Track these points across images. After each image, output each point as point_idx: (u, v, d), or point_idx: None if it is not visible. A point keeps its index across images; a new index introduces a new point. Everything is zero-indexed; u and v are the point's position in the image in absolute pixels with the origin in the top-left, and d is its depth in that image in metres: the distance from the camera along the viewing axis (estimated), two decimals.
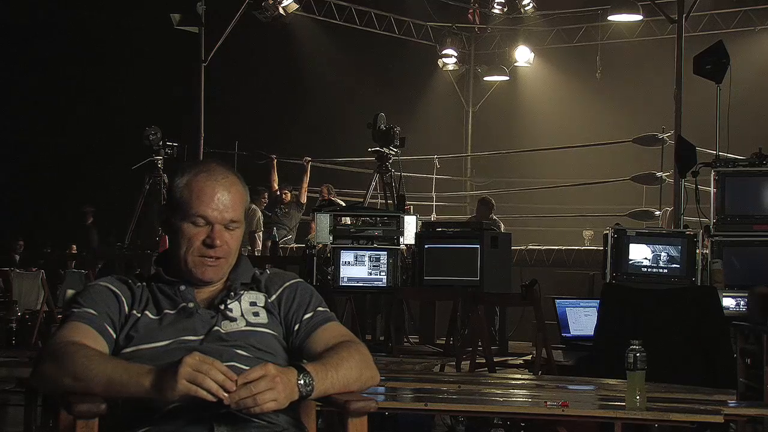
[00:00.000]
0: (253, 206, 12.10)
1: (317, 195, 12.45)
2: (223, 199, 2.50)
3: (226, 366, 2.32)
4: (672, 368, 5.06)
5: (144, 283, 2.55)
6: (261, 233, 12.02)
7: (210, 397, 2.20)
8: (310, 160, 13.13)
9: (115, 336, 2.46)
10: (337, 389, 2.38)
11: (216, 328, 2.47)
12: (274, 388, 2.25)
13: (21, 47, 14.87)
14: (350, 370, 2.42)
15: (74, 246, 12.75)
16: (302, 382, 2.32)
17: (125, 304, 2.50)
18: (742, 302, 6.50)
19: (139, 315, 2.48)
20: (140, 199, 11.39)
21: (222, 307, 2.51)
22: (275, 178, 13.01)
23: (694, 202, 7.15)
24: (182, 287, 2.52)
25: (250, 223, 11.91)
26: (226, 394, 2.21)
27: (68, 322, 2.44)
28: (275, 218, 12.58)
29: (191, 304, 2.50)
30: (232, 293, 2.54)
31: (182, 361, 2.21)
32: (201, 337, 2.46)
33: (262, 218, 12.34)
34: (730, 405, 3.83)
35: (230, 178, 2.53)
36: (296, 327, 2.55)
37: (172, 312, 2.49)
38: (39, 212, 14.60)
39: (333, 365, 2.40)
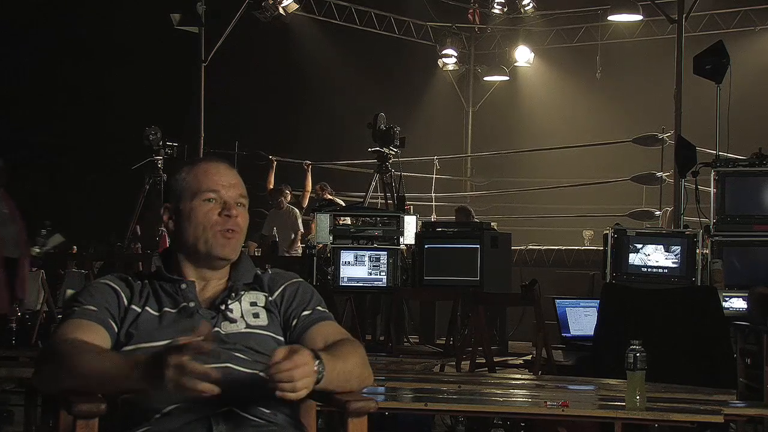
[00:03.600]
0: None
1: (314, 195, 12.45)
2: (229, 177, 2.57)
3: (223, 366, 2.34)
4: (672, 368, 5.06)
5: (146, 281, 2.55)
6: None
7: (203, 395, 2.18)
8: (310, 164, 13.10)
9: (116, 329, 2.46)
10: (339, 383, 2.37)
11: (216, 329, 2.47)
12: (308, 364, 2.24)
13: (20, 47, 14.86)
14: (354, 366, 2.43)
15: (75, 247, 12.73)
16: (317, 368, 2.30)
17: (124, 299, 2.50)
18: (742, 302, 6.50)
19: (139, 310, 2.49)
20: (140, 199, 11.39)
21: (223, 307, 2.51)
22: (272, 180, 13.00)
23: (694, 202, 7.15)
24: (183, 285, 2.52)
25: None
26: (215, 389, 2.17)
27: (67, 321, 2.44)
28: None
29: (192, 304, 2.50)
30: (233, 294, 2.54)
31: (166, 362, 2.16)
32: (201, 338, 2.45)
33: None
34: (730, 405, 3.83)
35: (228, 164, 2.63)
36: (294, 323, 2.55)
37: (172, 311, 2.49)
38: (38, 212, 14.59)
39: (341, 357, 2.39)
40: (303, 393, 2.24)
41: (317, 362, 2.29)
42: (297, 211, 12.16)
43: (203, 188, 2.53)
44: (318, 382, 2.29)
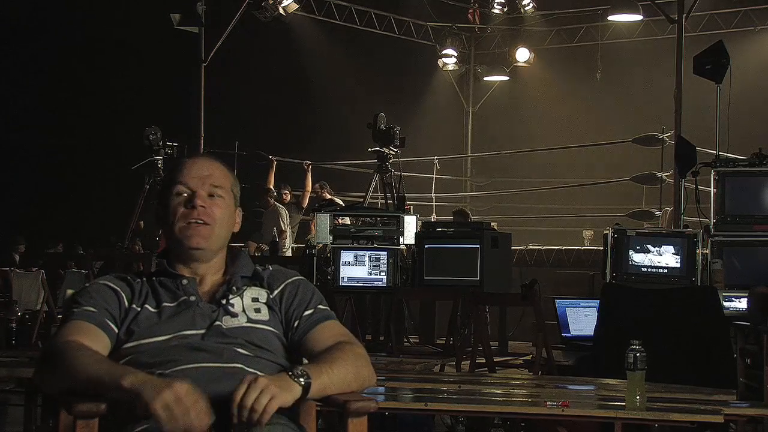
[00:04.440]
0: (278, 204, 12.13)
1: (314, 195, 12.46)
2: (202, 169, 2.56)
3: (230, 367, 2.36)
4: (672, 368, 5.06)
5: (144, 279, 2.56)
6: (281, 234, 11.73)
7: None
8: (310, 164, 13.12)
9: (116, 330, 2.47)
10: (336, 387, 2.38)
11: (217, 323, 2.48)
12: (265, 388, 2.24)
13: (22, 48, 14.87)
14: (345, 368, 2.42)
15: (80, 246, 12.74)
16: (292, 373, 2.31)
17: (125, 299, 2.50)
18: (742, 302, 6.49)
19: (139, 309, 2.49)
20: (140, 199, 11.39)
21: (224, 301, 2.51)
22: (272, 179, 13.02)
23: (694, 202, 7.14)
24: (185, 281, 2.53)
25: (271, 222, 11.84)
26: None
27: (67, 322, 2.45)
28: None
29: (192, 297, 2.51)
30: (234, 288, 2.54)
31: (171, 385, 2.17)
32: (202, 332, 2.46)
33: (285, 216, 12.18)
34: (730, 405, 3.83)
35: (212, 158, 2.63)
36: (296, 323, 2.55)
37: (171, 305, 2.50)
38: (39, 212, 14.60)
39: (327, 362, 2.40)
40: (274, 403, 2.23)
41: (292, 370, 2.30)
42: (282, 209, 12.13)
43: (174, 182, 2.55)
44: (307, 385, 2.31)
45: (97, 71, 15.06)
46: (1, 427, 6.49)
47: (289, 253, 11.69)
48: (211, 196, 2.54)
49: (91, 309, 2.46)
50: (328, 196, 11.56)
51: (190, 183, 2.54)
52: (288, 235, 12.11)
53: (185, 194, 2.54)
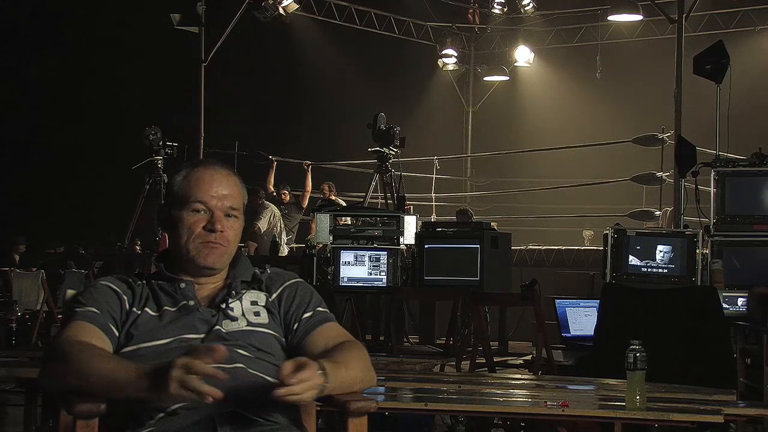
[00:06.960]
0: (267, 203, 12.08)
1: (319, 195, 12.45)
2: (221, 187, 2.54)
3: (232, 367, 2.35)
4: (672, 368, 5.06)
5: (144, 281, 2.55)
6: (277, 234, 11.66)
7: (207, 398, 2.18)
8: (310, 164, 13.11)
9: (117, 334, 2.46)
10: (343, 388, 2.39)
11: (217, 327, 2.48)
12: (313, 376, 2.26)
13: (22, 47, 14.87)
14: (357, 370, 2.43)
15: (80, 248, 12.75)
16: (321, 381, 2.31)
17: (126, 303, 2.50)
18: (742, 302, 6.49)
19: (139, 312, 2.49)
20: (140, 199, 11.39)
21: (223, 306, 2.51)
22: (272, 180, 13.02)
23: (694, 202, 7.14)
24: (183, 285, 2.52)
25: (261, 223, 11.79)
26: (220, 393, 2.17)
27: (72, 321, 2.44)
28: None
29: (192, 302, 2.50)
30: (233, 292, 2.54)
31: (173, 363, 2.18)
32: (202, 336, 2.46)
33: (276, 217, 12.13)
34: (730, 405, 3.83)
35: (227, 170, 2.60)
36: (295, 326, 2.55)
37: (172, 309, 2.50)
38: (39, 212, 14.60)
39: (344, 364, 2.40)
40: (306, 401, 2.28)
41: (320, 372, 2.29)
42: (264, 211, 12.03)
43: (192, 198, 2.52)
44: (320, 391, 2.31)
45: (97, 71, 15.06)
46: (1, 427, 6.49)
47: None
48: (227, 216, 2.54)
49: (94, 310, 2.45)
50: (333, 198, 11.56)
51: (209, 202, 2.52)
52: (261, 236, 11.91)
53: (203, 212, 2.52)
